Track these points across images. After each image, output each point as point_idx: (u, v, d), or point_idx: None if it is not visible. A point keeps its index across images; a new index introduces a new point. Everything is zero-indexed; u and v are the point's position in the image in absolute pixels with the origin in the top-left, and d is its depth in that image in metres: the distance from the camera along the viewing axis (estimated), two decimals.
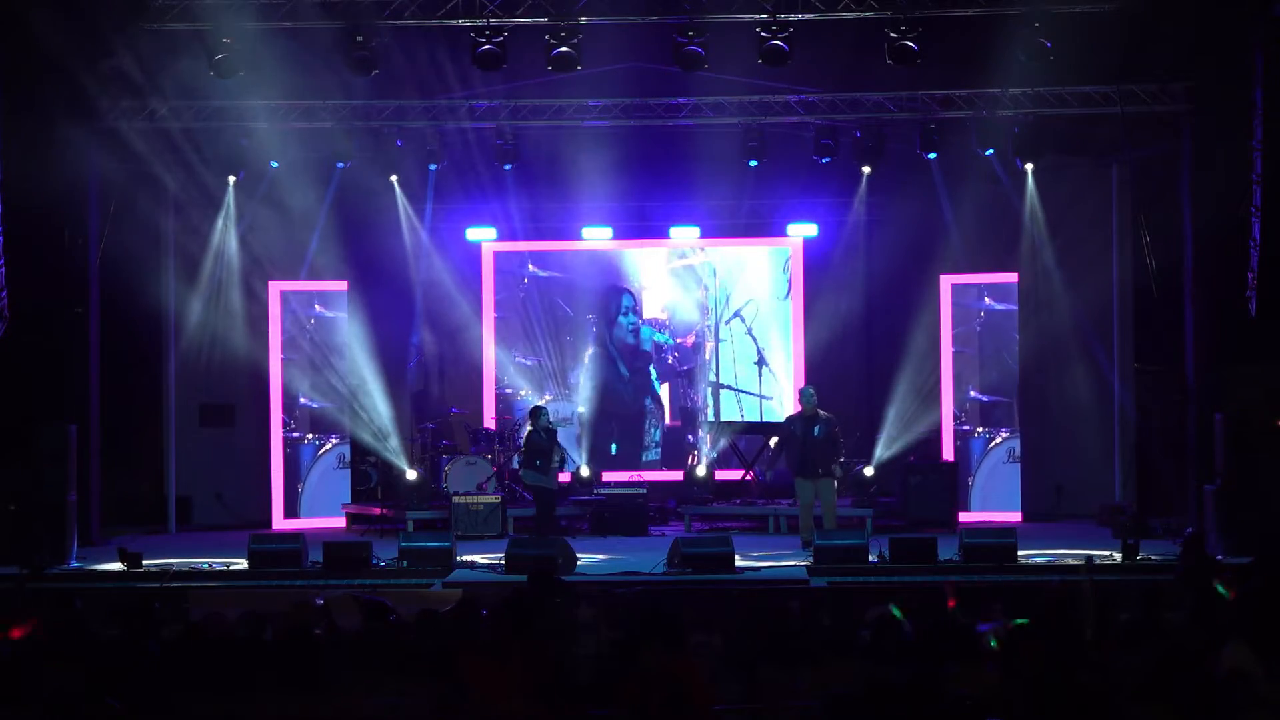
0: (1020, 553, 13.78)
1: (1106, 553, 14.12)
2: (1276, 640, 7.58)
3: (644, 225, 19.49)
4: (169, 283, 18.02)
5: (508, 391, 19.43)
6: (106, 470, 16.67)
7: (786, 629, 8.60)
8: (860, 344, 19.35)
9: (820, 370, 19.06)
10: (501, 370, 19.49)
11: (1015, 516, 17.78)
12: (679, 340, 19.72)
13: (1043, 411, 18.26)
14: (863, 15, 14.41)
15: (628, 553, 15.01)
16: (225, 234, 18.03)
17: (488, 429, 18.60)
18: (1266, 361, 14.78)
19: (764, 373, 19.52)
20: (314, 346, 18.50)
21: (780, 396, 19.39)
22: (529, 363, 19.53)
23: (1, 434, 14.61)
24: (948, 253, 18.39)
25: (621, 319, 19.63)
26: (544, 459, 15.15)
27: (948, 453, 18.32)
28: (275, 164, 17.40)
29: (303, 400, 18.50)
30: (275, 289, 18.49)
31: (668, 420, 19.52)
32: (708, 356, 19.61)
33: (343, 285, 18.60)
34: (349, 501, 18.23)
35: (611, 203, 18.88)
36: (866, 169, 18.07)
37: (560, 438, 16.42)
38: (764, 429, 18.68)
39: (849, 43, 15.64)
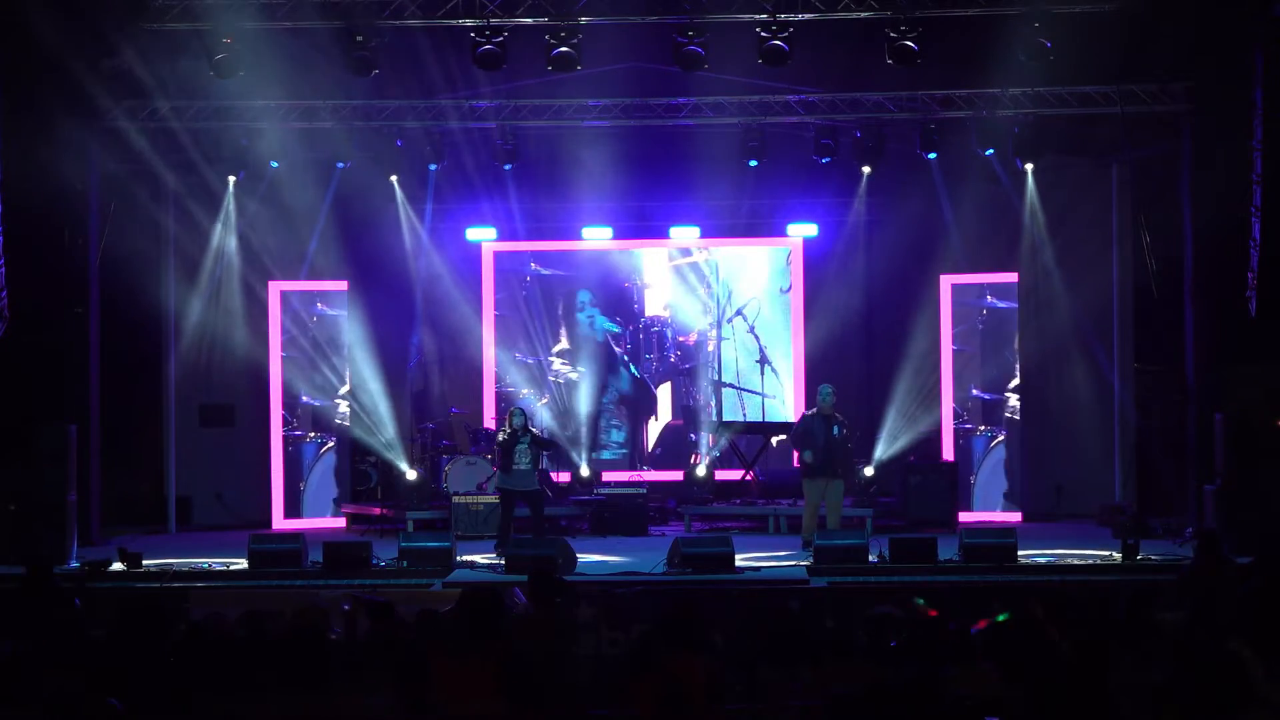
0: (1020, 553, 13.78)
1: (1106, 553, 14.13)
2: (1276, 640, 7.58)
3: (644, 225, 19.50)
4: (169, 283, 18.02)
5: (509, 389, 19.42)
6: (106, 470, 16.67)
7: (786, 629, 8.60)
8: (860, 344, 19.34)
9: (820, 370, 19.04)
10: (502, 370, 19.50)
11: (1015, 516, 17.79)
12: (681, 339, 19.72)
13: (1043, 411, 18.26)
14: (863, 15, 14.41)
15: (628, 553, 15.01)
16: (225, 234, 18.03)
17: (488, 429, 18.60)
18: (1266, 361, 14.78)
19: (766, 371, 19.52)
20: (315, 345, 18.50)
21: (782, 395, 19.39)
22: (530, 361, 19.54)
23: (1, 434, 14.61)
24: (948, 253, 18.40)
25: (579, 315, 19.63)
26: (503, 458, 15.14)
27: (948, 452, 18.33)
28: (275, 164, 17.41)
29: (304, 399, 18.50)
30: (275, 289, 18.49)
31: (664, 419, 19.44)
32: (710, 354, 19.60)
33: (343, 285, 18.60)
34: (345, 499, 18.25)
35: (611, 203, 18.88)
36: (866, 169, 18.07)
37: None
38: (764, 429, 18.68)
39: (849, 43, 15.65)
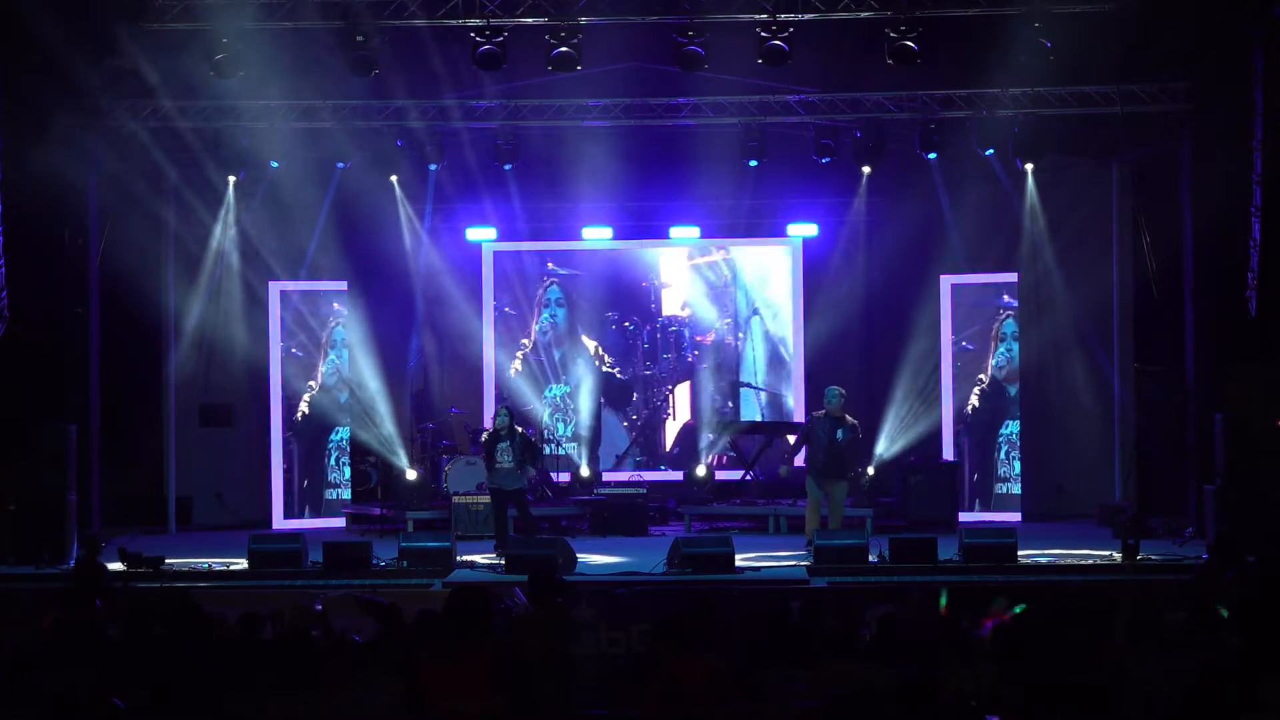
0: (1020, 553, 13.78)
1: (1106, 553, 14.13)
2: (1276, 640, 7.58)
3: (644, 225, 19.49)
4: (169, 283, 18.01)
5: (510, 389, 19.43)
6: (106, 470, 16.67)
7: (786, 629, 8.60)
8: (860, 344, 19.33)
9: (820, 370, 19.04)
10: (502, 371, 19.49)
11: (1014, 515, 17.82)
12: (699, 338, 19.72)
13: (1043, 411, 18.26)
14: (863, 15, 14.41)
15: (628, 553, 15.00)
16: (225, 233, 18.02)
17: (488, 429, 18.58)
18: (1266, 361, 14.79)
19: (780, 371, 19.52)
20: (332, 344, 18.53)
21: (792, 394, 19.42)
22: (543, 360, 19.56)
23: (1, 434, 14.61)
24: (948, 253, 18.38)
25: (544, 310, 19.63)
26: (486, 457, 15.17)
27: (948, 452, 18.32)
28: (275, 164, 17.40)
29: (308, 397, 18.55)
30: (275, 289, 18.48)
31: (682, 419, 19.38)
32: (728, 353, 19.59)
33: (343, 285, 18.59)
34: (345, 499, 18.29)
35: (611, 203, 18.88)
36: (866, 169, 18.06)
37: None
38: (764, 429, 18.69)
39: (849, 43, 15.65)
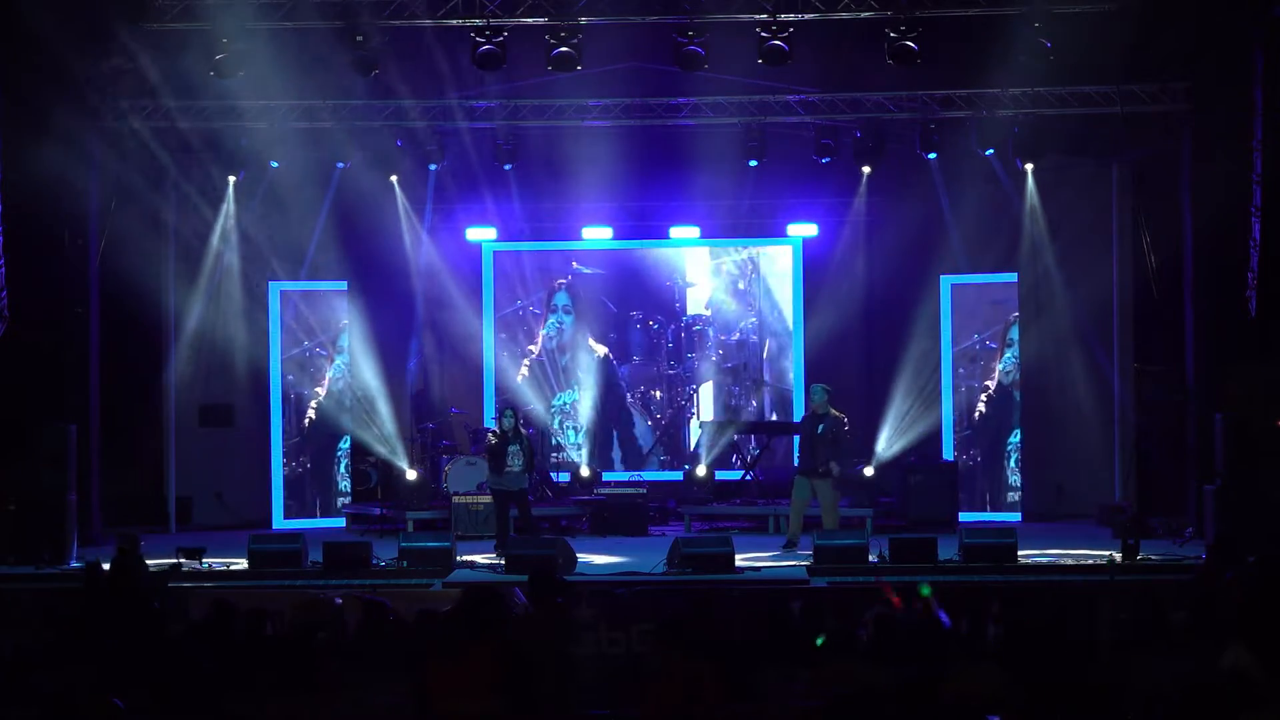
0: (1020, 553, 13.78)
1: (1107, 553, 14.13)
2: (1276, 640, 7.58)
3: (644, 225, 19.49)
4: (169, 283, 18.01)
5: (510, 389, 19.43)
6: (106, 470, 16.66)
7: (786, 629, 8.60)
8: (860, 344, 19.33)
9: (820, 370, 19.04)
10: (507, 376, 19.48)
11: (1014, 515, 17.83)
12: (723, 337, 19.72)
13: (1043, 411, 18.25)
14: (863, 15, 14.41)
15: (628, 553, 15.00)
16: (226, 234, 18.02)
17: (488, 429, 18.58)
18: (1266, 361, 14.79)
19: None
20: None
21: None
22: (543, 359, 19.55)
23: (1, 434, 14.61)
24: (948, 253, 18.38)
25: (550, 315, 19.64)
26: (495, 460, 15.13)
27: (948, 452, 18.33)
28: (275, 164, 17.40)
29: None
30: (275, 289, 18.48)
31: (700, 418, 19.35)
32: (752, 353, 19.58)
33: (343, 285, 18.59)
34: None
35: (611, 203, 18.88)
36: (866, 169, 18.07)
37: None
38: (765, 429, 18.69)
39: (849, 43, 15.66)
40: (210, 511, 18.06)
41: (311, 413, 18.55)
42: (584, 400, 19.48)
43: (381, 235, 18.75)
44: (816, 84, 16.96)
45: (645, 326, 19.72)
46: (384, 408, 18.16)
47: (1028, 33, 14.15)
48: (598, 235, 19.27)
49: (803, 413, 16.87)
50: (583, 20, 14.40)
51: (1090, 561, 13.91)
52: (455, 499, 16.74)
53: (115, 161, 16.77)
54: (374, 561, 13.80)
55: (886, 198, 18.83)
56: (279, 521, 18.10)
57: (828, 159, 17.55)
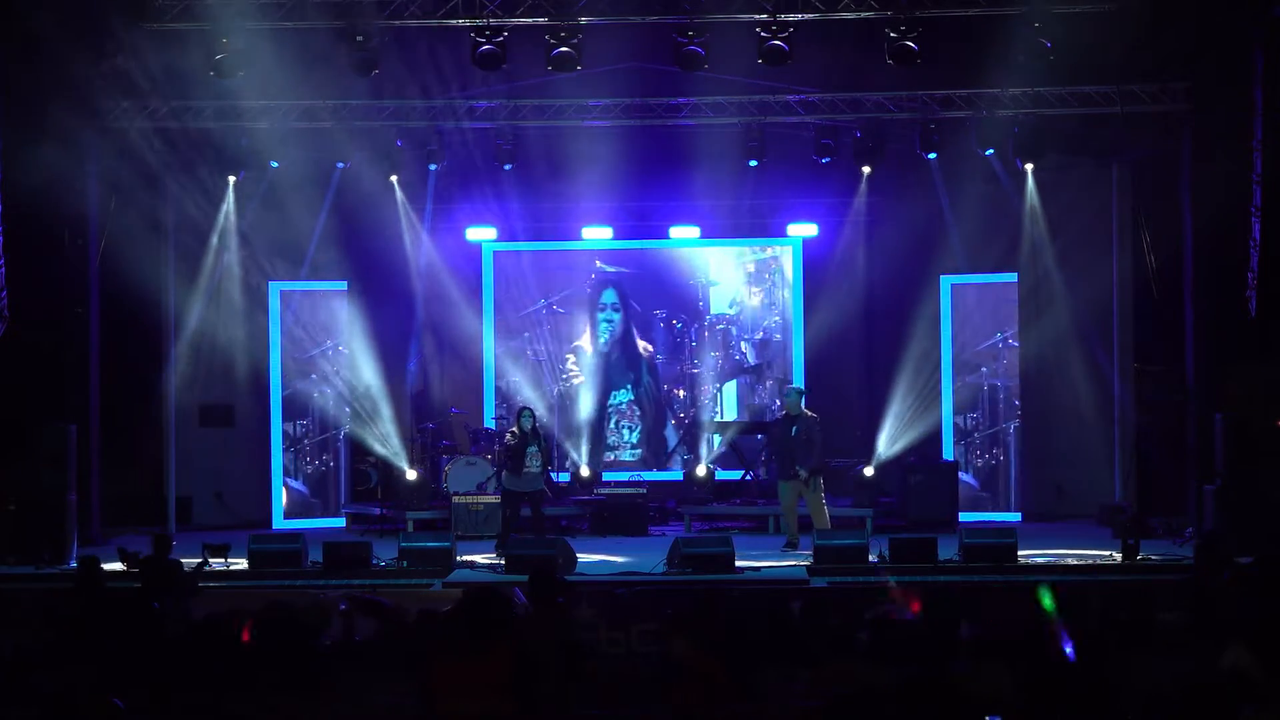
0: (1020, 553, 13.79)
1: (1106, 553, 14.13)
2: (1277, 640, 7.58)
3: (644, 225, 19.50)
4: (169, 283, 18.01)
5: (580, 382, 19.38)
6: (106, 470, 16.67)
7: (786, 629, 8.60)
8: (860, 344, 19.35)
9: (820, 370, 19.08)
10: (502, 369, 19.49)
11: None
12: (747, 337, 19.72)
13: (1043, 411, 18.26)
14: (863, 15, 14.41)
15: (628, 553, 15.01)
16: (225, 234, 18.02)
17: (488, 429, 18.61)
18: (1266, 361, 14.79)
19: None
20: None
21: None
22: (595, 358, 19.55)
23: (1, 434, 14.61)
24: (948, 253, 18.38)
25: (599, 314, 19.65)
26: (515, 460, 15.13)
27: (949, 452, 18.33)
28: (275, 164, 17.40)
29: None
30: (275, 289, 18.48)
31: (721, 418, 19.35)
32: (775, 352, 19.58)
33: (343, 285, 18.59)
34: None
35: (611, 203, 18.88)
36: (866, 169, 18.07)
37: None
38: (765, 429, 18.69)
39: (849, 43, 15.65)
40: (210, 511, 18.07)
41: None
42: (640, 398, 19.50)
43: (381, 235, 18.75)
44: (816, 84, 16.95)
45: (669, 326, 19.74)
46: (384, 408, 18.16)
47: (1028, 33, 14.15)
48: (597, 235, 19.27)
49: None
50: (583, 20, 14.41)
51: (1091, 562, 13.92)
52: (455, 499, 16.74)
53: (115, 161, 16.77)
54: (374, 561, 13.81)
55: (886, 198, 18.84)
56: (279, 521, 18.10)
57: (828, 159, 17.55)
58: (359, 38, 14.42)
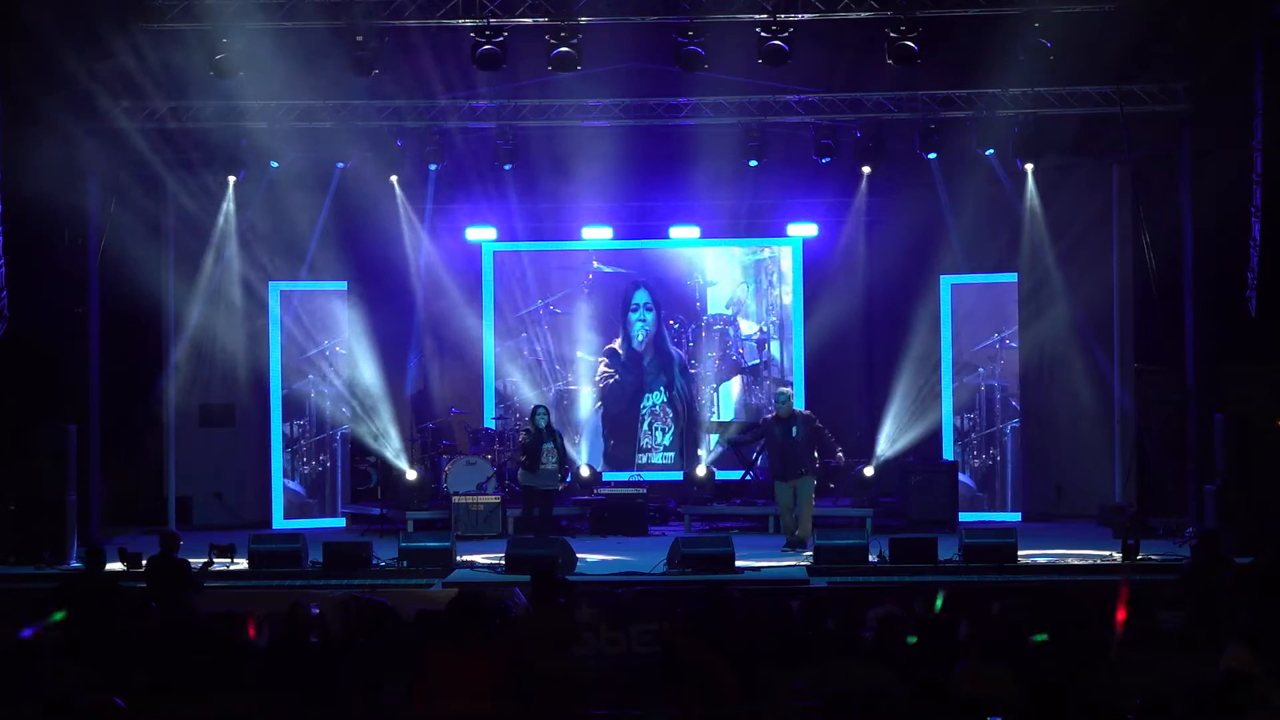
0: (1020, 553, 13.79)
1: (1106, 553, 14.13)
2: (1276, 640, 7.59)
3: (644, 225, 19.49)
4: (169, 283, 18.01)
5: (572, 387, 19.40)
6: (106, 470, 16.66)
7: (786, 629, 8.61)
8: (860, 344, 19.34)
9: (820, 370, 19.07)
10: (502, 369, 19.49)
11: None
12: (744, 337, 19.72)
13: (1043, 411, 18.26)
14: (863, 15, 14.40)
15: (628, 553, 15.01)
16: (225, 234, 18.02)
17: (488, 429, 18.61)
18: (1266, 361, 14.79)
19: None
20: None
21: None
22: (592, 359, 19.54)
23: (1, 434, 14.61)
24: (948, 253, 18.38)
25: (631, 315, 19.65)
26: (531, 458, 15.14)
27: (949, 452, 18.33)
28: (275, 164, 17.40)
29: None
30: (275, 289, 18.48)
31: (719, 417, 19.39)
32: (772, 351, 19.59)
33: (343, 285, 18.59)
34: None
35: (612, 203, 18.87)
36: (866, 169, 18.06)
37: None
38: (757, 430, 18.67)
39: (849, 43, 15.66)
40: (210, 511, 18.06)
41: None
42: (673, 400, 19.50)
43: (381, 235, 18.75)
44: (816, 84, 16.95)
45: (666, 326, 19.73)
46: (384, 408, 18.16)
47: (1028, 33, 14.15)
48: (597, 235, 19.27)
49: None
50: (583, 20, 14.40)
51: (1091, 562, 13.92)
52: (455, 499, 16.74)
53: (115, 161, 16.76)
54: (374, 561, 13.81)
55: (887, 198, 18.84)
56: (279, 521, 18.10)
57: (828, 159, 17.54)
58: (359, 38, 14.42)
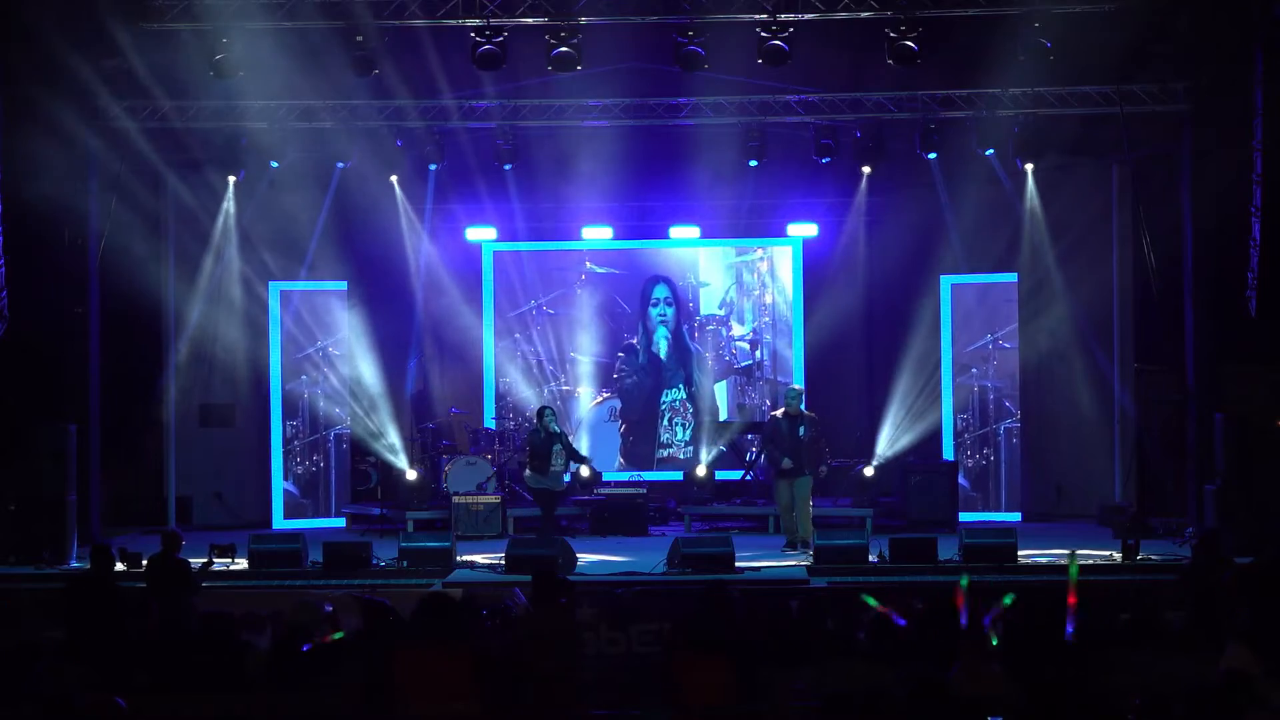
0: (1020, 553, 13.79)
1: (1107, 553, 14.13)
2: (1277, 640, 7.59)
3: (644, 225, 19.49)
4: (169, 283, 18.01)
5: (568, 388, 19.39)
6: (106, 470, 16.66)
7: (786, 629, 8.60)
8: (860, 344, 19.34)
9: (820, 370, 19.07)
10: (502, 369, 19.49)
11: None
12: (736, 337, 19.72)
13: (1043, 411, 18.26)
14: (863, 15, 14.41)
15: (628, 553, 15.01)
16: (225, 234, 18.02)
17: (488, 429, 18.61)
18: (1266, 361, 14.79)
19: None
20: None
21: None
22: (586, 359, 19.54)
23: (1, 434, 14.61)
24: (948, 253, 18.38)
25: (651, 309, 19.64)
26: (540, 460, 15.12)
27: (949, 452, 18.33)
28: (275, 164, 17.40)
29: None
30: (275, 289, 18.48)
31: (724, 416, 19.38)
32: (765, 352, 19.57)
33: (343, 285, 18.59)
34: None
35: (612, 203, 18.88)
36: (866, 169, 18.07)
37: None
38: (761, 429, 18.67)
39: (849, 43, 15.65)
40: (210, 511, 18.06)
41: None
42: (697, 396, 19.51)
43: (381, 235, 18.76)
44: (816, 84, 16.94)
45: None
46: (384, 408, 18.16)
47: (1028, 33, 14.15)
48: (598, 235, 19.26)
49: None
50: (583, 20, 14.40)
51: (1091, 562, 13.92)
52: (455, 499, 16.74)
53: (115, 161, 16.76)
54: (374, 561, 13.81)
55: (887, 198, 18.84)
56: (279, 521, 18.10)
57: (828, 159, 17.54)
58: (358, 37, 14.43)
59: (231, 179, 17.68)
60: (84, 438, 15.52)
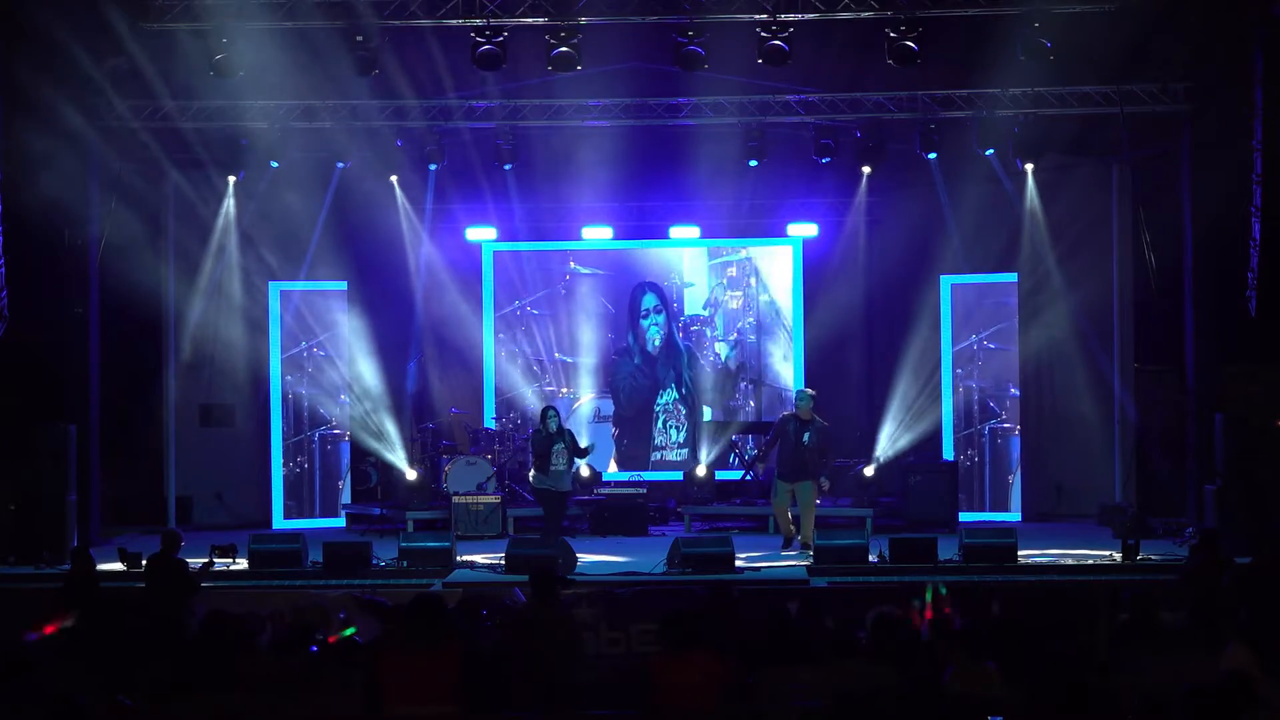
0: (1020, 553, 13.79)
1: (1106, 553, 14.13)
2: (1277, 640, 7.59)
3: (644, 225, 19.49)
4: (169, 283, 18.01)
5: (551, 389, 19.43)
6: (106, 470, 16.67)
7: (786, 629, 8.60)
8: (860, 344, 19.35)
9: (820, 370, 19.06)
10: (502, 369, 19.49)
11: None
12: (721, 338, 19.71)
13: (1043, 411, 18.26)
14: (863, 15, 14.41)
15: (628, 553, 15.01)
16: (225, 234, 18.02)
17: (488, 429, 18.61)
18: (1266, 361, 14.79)
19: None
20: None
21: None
22: (571, 360, 19.54)
23: (1, 434, 14.62)
24: (948, 253, 18.38)
25: (643, 321, 19.64)
26: (541, 460, 15.10)
27: (949, 452, 18.33)
28: (275, 164, 17.41)
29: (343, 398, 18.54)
30: (275, 289, 18.48)
31: (707, 418, 19.39)
32: (749, 353, 19.57)
33: (343, 285, 18.59)
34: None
35: (612, 203, 18.89)
36: (866, 169, 18.07)
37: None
38: (765, 429, 18.68)
39: (849, 43, 15.65)
40: (210, 511, 18.06)
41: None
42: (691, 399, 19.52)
43: (381, 235, 18.76)
44: (816, 84, 16.95)
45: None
46: (384, 408, 18.16)
47: (1028, 33, 14.15)
48: (598, 235, 19.27)
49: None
50: (583, 20, 14.40)
51: (1091, 562, 13.92)
52: (455, 499, 16.74)
53: (115, 161, 16.77)
54: (374, 561, 13.81)
55: (886, 198, 18.85)
56: (279, 521, 18.10)
57: (828, 159, 17.55)
58: (359, 37, 14.43)
59: (232, 179, 17.69)
60: (84, 438, 15.52)
